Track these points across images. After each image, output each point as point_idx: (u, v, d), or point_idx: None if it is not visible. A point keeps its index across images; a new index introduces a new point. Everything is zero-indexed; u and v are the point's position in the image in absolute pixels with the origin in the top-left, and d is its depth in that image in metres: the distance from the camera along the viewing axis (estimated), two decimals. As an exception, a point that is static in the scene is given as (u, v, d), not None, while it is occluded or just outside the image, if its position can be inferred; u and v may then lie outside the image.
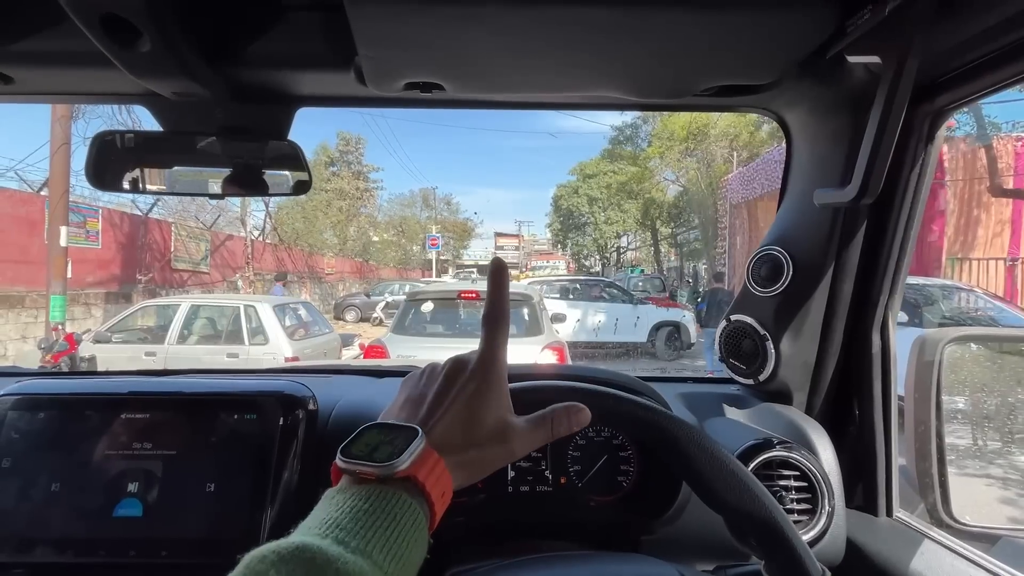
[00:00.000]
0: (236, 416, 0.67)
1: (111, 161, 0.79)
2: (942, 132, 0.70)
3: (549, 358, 4.40)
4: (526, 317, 4.88)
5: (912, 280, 7.18)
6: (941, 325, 6.05)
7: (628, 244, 33.97)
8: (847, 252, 0.78)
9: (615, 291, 11.28)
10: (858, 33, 0.57)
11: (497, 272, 0.49)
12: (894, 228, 0.74)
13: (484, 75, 0.70)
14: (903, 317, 5.79)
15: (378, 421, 0.44)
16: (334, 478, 0.40)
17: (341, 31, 0.59)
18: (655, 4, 0.55)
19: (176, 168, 0.87)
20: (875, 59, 0.59)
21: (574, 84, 0.73)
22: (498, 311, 0.48)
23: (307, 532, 0.33)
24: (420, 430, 0.41)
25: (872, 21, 0.55)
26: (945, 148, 10.49)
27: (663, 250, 29.35)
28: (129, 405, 0.67)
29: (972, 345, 0.93)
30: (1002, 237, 10.52)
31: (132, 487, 0.63)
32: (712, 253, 19.10)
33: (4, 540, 0.61)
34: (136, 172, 0.82)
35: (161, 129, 0.81)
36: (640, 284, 16.53)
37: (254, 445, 0.66)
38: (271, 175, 0.85)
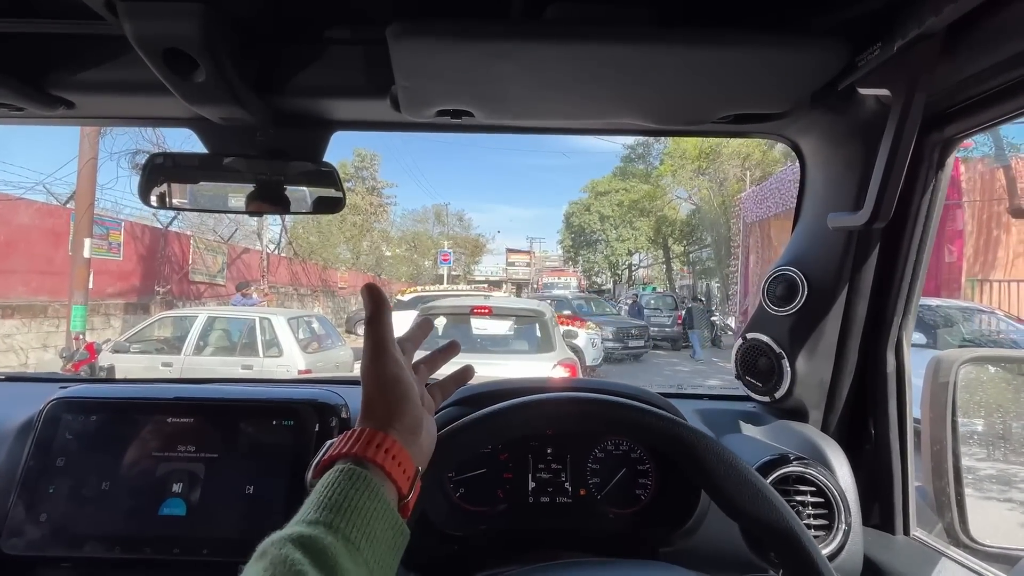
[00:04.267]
0: (274, 422, 0.70)
1: (161, 181, 0.84)
2: (951, 159, 0.72)
3: (561, 375, 4.39)
4: (538, 333, 4.89)
5: (931, 301, 7.06)
6: (961, 347, 5.93)
7: (640, 262, 33.92)
8: (861, 274, 0.80)
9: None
10: (868, 68, 0.60)
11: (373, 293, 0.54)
12: (907, 251, 0.77)
13: (512, 104, 0.74)
14: (921, 339, 5.69)
15: None
16: None
17: (380, 63, 0.63)
18: (674, 42, 0.59)
19: (222, 188, 0.92)
20: (884, 92, 0.62)
21: (597, 112, 0.77)
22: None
23: None
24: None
25: (881, 57, 0.58)
26: (962, 168, 10.42)
27: (675, 268, 29.26)
28: (174, 410, 0.71)
29: (990, 367, 0.95)
30: (1024, 258, 10.34)
31: (176, 487, 0.67)
32: (725, 272, 19.01)
33: (56, 535, 0.65)
34: (182, 191, 0.88)
35: (206, 151, 0.86)
36: (653, 302, 16.54)
37: (290, 450, 0.69)
38: (308, 195, 0.90)
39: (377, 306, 0.51)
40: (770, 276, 0.90)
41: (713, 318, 15.18)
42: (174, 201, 0.91)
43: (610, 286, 33.77)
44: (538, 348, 4.76)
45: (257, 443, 0.69)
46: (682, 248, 27.54)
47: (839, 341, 0.84)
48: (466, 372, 0.65)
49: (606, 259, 31.74)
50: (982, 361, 0.80)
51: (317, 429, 0.70)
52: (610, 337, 11.44)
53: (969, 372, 0.78)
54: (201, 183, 0.92)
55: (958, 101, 0.66)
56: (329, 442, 0.48)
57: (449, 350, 0.65)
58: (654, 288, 23.88)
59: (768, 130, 0.84)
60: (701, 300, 17.83)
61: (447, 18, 0.60)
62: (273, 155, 0.85)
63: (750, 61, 0.61)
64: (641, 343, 12.19)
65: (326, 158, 0.89)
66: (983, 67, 0.59)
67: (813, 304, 0.83)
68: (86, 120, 0.87)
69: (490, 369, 4.22)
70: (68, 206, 8.66)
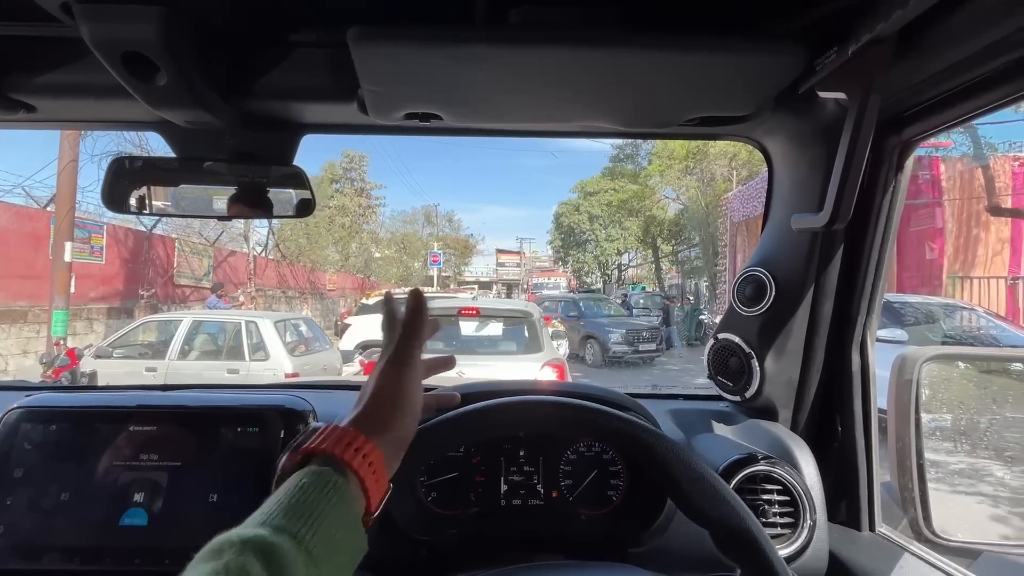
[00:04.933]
0: (239, 429, 0.69)
1: (126, 184, 0.83)
2: (910, 161, 0.74)
3: (549, 375, 4.40)
4: (526, 334, 4.89)
5: (912, 298, 7.19)
6: (944, 344, 6.04)
7: (629, 261, 34.07)
8: (826, 274, 0.81)
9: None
10: (825, 72, 0.61)
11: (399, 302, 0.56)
12: (869, 251, 0.78)
13: (479, 107, 0.74)
14: (903, 336, 5.78)
15: None
16: None
17: (345, 67, 0.63)
18: (637, 46, 0.59)
19: (187, 191, 0.91)
20: (841, 95, 0.63)
21: (565, 116, 0.77)
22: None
23: None
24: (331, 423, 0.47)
25: (837, 61, 0.59)
26: (942, 168, 10.62)
27: (664, 267, 29.44)
28: (136, 418, 0.70)
29: (960, 363, 0.97)
30: (1002, 256, 10.56)
31: (138, 497, 0.66)
32: (713, 271, 19.17)
33: (14, 548, 0.64)
34: (149, 195, 0.86)
35: (174, 155, 0.85)
36: (642, 301, 16.67)
37: (256, 457, 0.68)
38: (277, 198, 0.90)
39: (417, 313, 0.51)
40: (740, 277, 0.91)
41: (701, 316, 15.29)
42: (143, 205, 0.89)
43: (600, 286, 33.87)
44: (526, 349, 4.76)
45: (221, 450, 0.68)
46: (671, 247, 27.72)
47: (806, 341, 0.85)
48: (451, 399, 0.65)
49: (596, 259, 31.85)
50: (944, 359, 0.81)
51: (283, 435, 0.70)
52: (620, 340, 11.00)
53: (932, 370, 0.79)
54: (169, 187, 0.91)
55: (914, 104, 0.67)
56: (317, 426, 0.46)
57: (443, 364, 0.65)
58: (643, 287, 24.01)
59: (735, 132, 0.85)
60: (689, 299, 18.01)
61: (408, 22, 0.60)
62: (242, 159, 0.85)
63: (712, 64, 0.62)
64: (653, 346, 11.42)
65: (299, 161, 0.88)
66: (935, 70, 0.60)
67: (780, 304, 0.84)
68: (48, 124, 0.86)
69: (478, 370, 4.20)
70: (48, 209, 8.50)
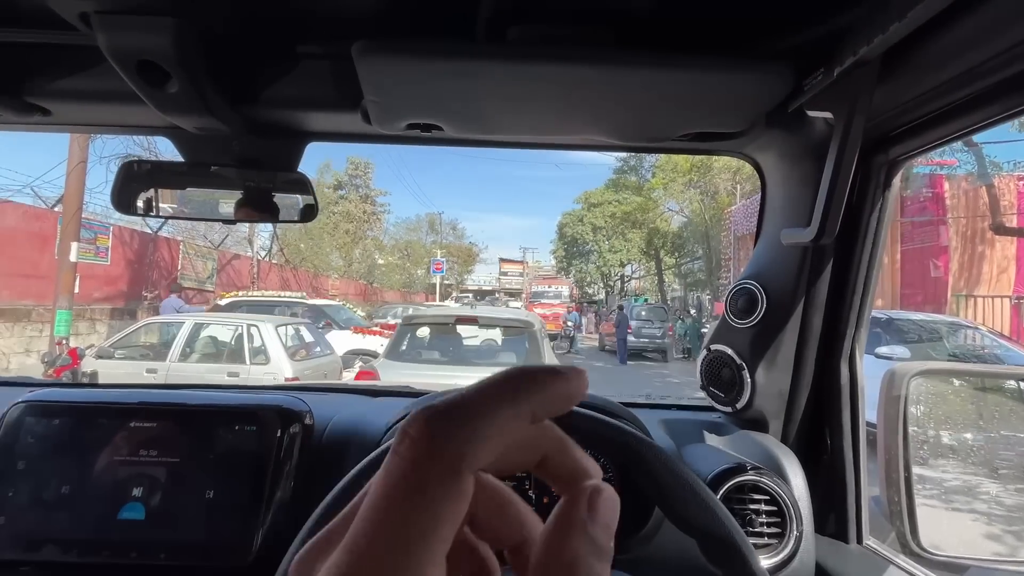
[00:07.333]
0: (237, 428, 0.71)
1: (135, 187, 0.86)
2: (898, 179, 0.76)
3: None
4: (527, 345, 4.86)
5: (917, 316, 7.16)
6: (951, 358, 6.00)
7: (632, 273, 34.06)
8: (815, 288, 0.83)
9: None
10: (813, 91, 0.63)
11: None
12: (857, 266, 0.79)
13: (479, 119, 0.76)
14: (906, 353, 5.76)
15: None
16: None
17: (349, 78, 0.65)
18: (631, 64, 0.61)
19: (195, 194, 0.93)
20: (828, 114, 0.65)
21: (562, 129, 0.79)
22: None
23: None
24: None
25: (824, 82, 0.61)
26: (947, 186, 10.64)
27: (667, 280, 29.42)
28: (138, 415, 0.72)
29: (954, 380, 0.98)
30: (1008, 274, 10.53)
31: (137, 492, 0.68)
32: (716, 284, 19.16)
33: (15, 538, 0.65)
34: (157, 197, 0.89)
35: (182, 159, 0.88)
36: (643, 313, 16.61)
37: (252, 456, 0.70)
38: (281, 203, 0.92)
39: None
40: (732, 289, 0.92)
41: (703, 330, 15.24)
42: (150, 208, 0.92)
43: (602, 296, 33.85)
44: (527, 359, 4.73)
45: (219, 448, 0.70)
46: (674, 260, 27.73)
47: (796, 353, 0.87)
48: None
49: (598, 269, 31.85)
50: (932, 374, 0.82)
51: (279, 435, 0.71)
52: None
53: (920, 384, 0.81)
54: (176, 191, 0.93)
55: (900, 124, 0.69)
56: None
57: None
58: (645, 299, 24.00)
59: (729, 148, 0.87)
60: (691, 312, 17.97)
61: (411, 37, 0.62)
62: (248, 164, 0.87)
63: (704, 82, 0.64)
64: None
65: (303, 167, 0.90)
66: (920, 92, 0.62)
67: (771, 317, 0.86)
68: (62, 127, 0.88)
69: (474, 382, 4.15)
70: (56, 209, 8.59)
